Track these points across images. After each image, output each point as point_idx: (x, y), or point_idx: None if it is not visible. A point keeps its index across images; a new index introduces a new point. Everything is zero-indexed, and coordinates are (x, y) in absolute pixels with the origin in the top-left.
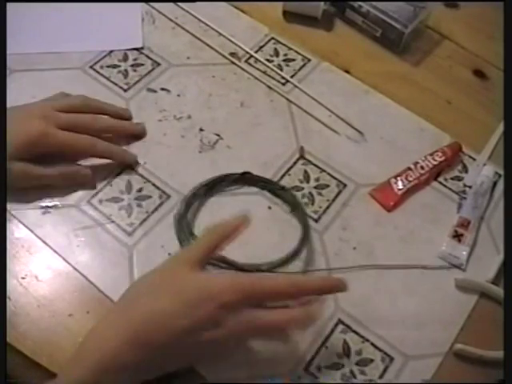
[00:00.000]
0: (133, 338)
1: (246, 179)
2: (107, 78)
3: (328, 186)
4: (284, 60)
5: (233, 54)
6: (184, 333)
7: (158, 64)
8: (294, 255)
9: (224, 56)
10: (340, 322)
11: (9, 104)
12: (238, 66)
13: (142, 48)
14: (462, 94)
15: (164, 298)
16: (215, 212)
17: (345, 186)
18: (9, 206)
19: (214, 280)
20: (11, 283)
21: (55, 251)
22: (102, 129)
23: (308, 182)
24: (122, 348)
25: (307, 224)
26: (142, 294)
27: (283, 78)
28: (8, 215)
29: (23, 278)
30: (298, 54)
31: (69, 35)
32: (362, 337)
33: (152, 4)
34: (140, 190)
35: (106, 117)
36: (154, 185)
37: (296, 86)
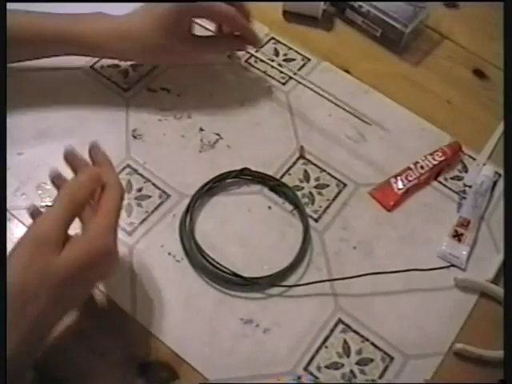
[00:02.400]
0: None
1: (245, 175)
2: (107, 78)
3: (328, 185)
4: (284, 60)
5: (232, 54)
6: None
7: None
8: (297, 259)
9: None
10: (340, 321)
11: (9, 104)
12: (239, 65)
13: None
14: (462, 94)
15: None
16: (217, 211)
17: (345, 185)
18: (9, 205)
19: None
20: None
21: None
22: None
23: (308, 181)
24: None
25: (307, 224)
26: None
27: (286, 75)
28: (8, 215)
29: None
30: (298, 53)
31: None
32: (361, 336)
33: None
34: (140, 190)
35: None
36: (154, 184)
37: (299, 83)
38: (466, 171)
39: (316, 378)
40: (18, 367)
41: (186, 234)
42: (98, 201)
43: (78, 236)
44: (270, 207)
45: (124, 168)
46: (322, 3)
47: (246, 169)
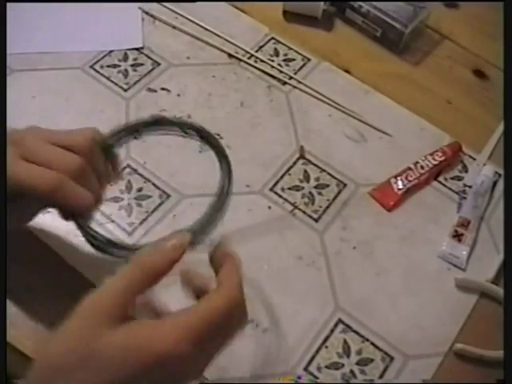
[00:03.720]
0: None
1: (157, 123)
2: (107, 78)
3: (328, 185)
4: (284, 60)
5: (232, 55)
6: None
7: (158, 64)
8: (220, 194)
9: (225, 52)
10: (340, 321)
11: (9, 104)
12: (238, 65)
13: (142, 48)
14: (462, 94)
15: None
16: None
17: (345, 185)
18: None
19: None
20: None
21: (55, 251)
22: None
23: (308, 181)
24: None
25: (226, 155)
26: (60, 373)
27: (286, 75)
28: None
29: None
30: (298, 53)
31: (69, 35)
32: (361, 336)
33: (152, 4)
34: (140, 190)
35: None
36: (154, 184)
37: (300, 82)
38: (466, 171)
39: (316, 378)
40: None
41: None
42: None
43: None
44: (269, 207)
45: (124, 168)
46: (321, 3)
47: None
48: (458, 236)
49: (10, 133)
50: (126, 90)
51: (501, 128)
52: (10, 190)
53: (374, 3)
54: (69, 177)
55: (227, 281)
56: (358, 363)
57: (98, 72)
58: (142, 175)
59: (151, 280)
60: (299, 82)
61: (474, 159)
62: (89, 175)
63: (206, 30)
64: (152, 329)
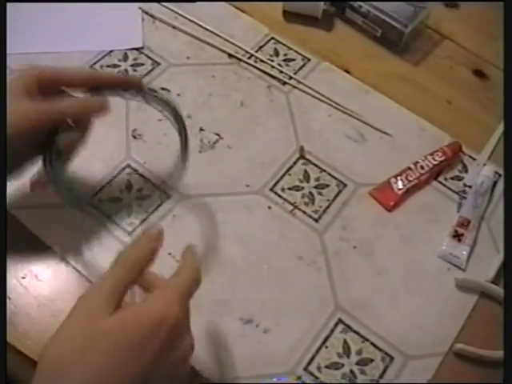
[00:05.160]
0: None
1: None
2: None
3: (328, 185)
4: (284, 60)
5: (232, 54)
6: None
7: (158, 64)
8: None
9: (225, 52)
10: (340, 321)
11: None
12: (238, 65)
13: (142, 48)
14: (462, 94)
15: (94, 363)
16: (217, 212)
17: (345, 185)
18: (9, 205)
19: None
20: (11, 283)
21: (55, 251)
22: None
23: (308, 181)
24: None
25: (182, 122)
26: (66, 364)
27: (286, 75)
28: (8, 215)
29: (23, 278)
30: (298, 53)
31: (69, 35)
32: (362, 336)
33: (152, 4)
34: (140, 190)
35: None
36: (154, 184)
37: (300, 82)
38: (466, 171)
39: (316, 378)
40: None
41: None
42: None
43: (135, 302)
44: (269, 207)
45: (124, 168)
46: (322, 3)
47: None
48: (458, 236)
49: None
50: (126, 90)
51: (501, 128)
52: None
53: (374, 3)
54: None
55: (187, 260)
56: (358, 363)
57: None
58: (142, 175)
59: (136, 273)
60: (299, 82)
61: (474, 159)
62: None
63: (206, 29)
64: (143, 303)
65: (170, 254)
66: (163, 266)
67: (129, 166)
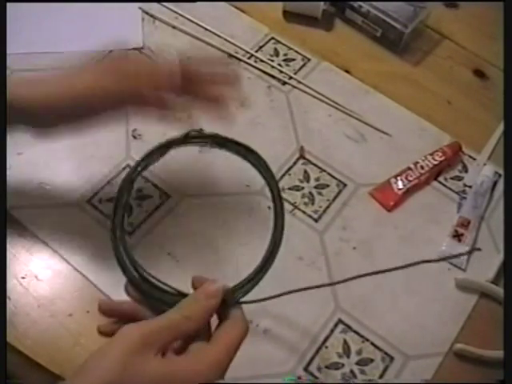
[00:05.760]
0: None
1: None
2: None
3: (328, 185)
4: (284, 60)
5: (232, 55)
6: None
7: None
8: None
9: (225, 52)
10: (340, 321)
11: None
12: (238, 65)
13: (142, 48)
14: (462, 94)
15: None
16: (217, 212)
17: (345, 185)
18: (9, 205)
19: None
20: (11, 283)
21: (55, 251)
22: None
23: (308, 181)
24: None
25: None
26: None
27: (286, 75)
28: (8, 215)
29: (23, 278)
30: (298, 53)
31: (69, 35)
32: (362, 336)
33: (152, 4)
34: (140, 190)
35: None
36: (154, 185)
37: (300, 82)
38: (466, 171)
39: (316, 378)
40: None
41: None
42: (215, 329)
43: (189, 350)
44: (269, 207)
45: (124, 168)
46: (321, 3)
47: (191, 131)
48: (458, 236)
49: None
50: None
51: (501, 128)
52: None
53: (374, 3)
54: None
55: (238, 322)
56: (358, 363)
57: None
58: (142, 175)
59: (191, 328)
60: (299, 82)
61: (474, 159)
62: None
63: (206, 29)
64: (193, 355)
65: (169, 254)
66: (163, 266)
67: (129, 166)
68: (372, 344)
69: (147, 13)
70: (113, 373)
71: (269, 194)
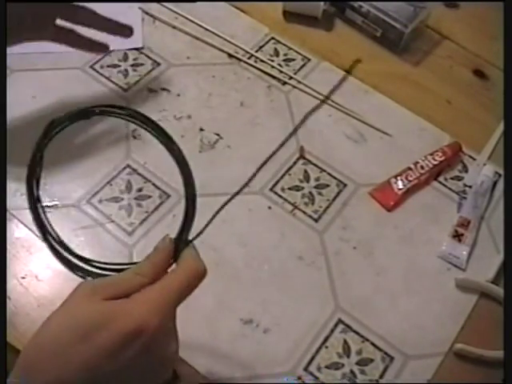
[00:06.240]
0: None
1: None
2: (107, 78)
3: (328, 185)
4: (284, 60)
5: (232, 55)
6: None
7: (158, 64)
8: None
9: (225, 52)
10: (340, 321)
11: (9, 104)
12: (238, 65)
13: (142, 48)
14: (462, 94)
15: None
16: None
17: (345, 185)
18: (9, 205)
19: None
20: (11, 283)
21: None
22: None
23: (308, 181)
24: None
25: (184, 158)
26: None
27: (286, 75)
28: (8, 215)
29: (23, 278)
30: (298, 53)
31: None
32: (362, 336)
33: (152, 4)
34: (140, 190)
35: None
36: (154, 185)
37: (300, 82)
38: (466, 171)
39: (316, 378)
40: None
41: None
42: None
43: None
44: (269, 207)
45: (124, 168)
46: (321, 3)
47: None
48: (458, 236)
49: None
50: (126, 90)
51: (501, 128)
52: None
53: (374, 3)
54: None
55: (184, 262)
56: (358, 363)
57: (97, 72)
58: (142, 175)
59: (142, 281)
60: (299, 82)
61: (474, 159)
62: None
63: (206, 29)
64: (123, 304)
65: None
66: None
67: (129, 166)
68: (372, 344)
69: (147, 13)
70: (60, 317)
71: (269, 194)
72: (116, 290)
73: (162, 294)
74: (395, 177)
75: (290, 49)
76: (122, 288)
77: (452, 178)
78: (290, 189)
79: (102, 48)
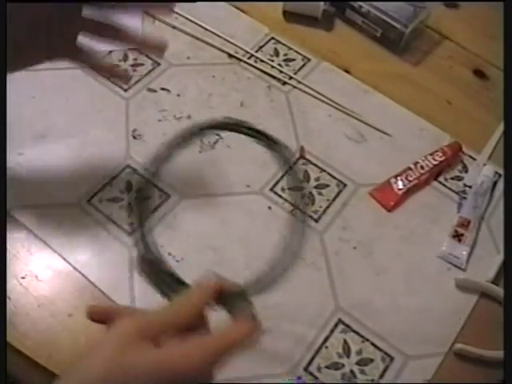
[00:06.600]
0: None
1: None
2: (107, 78)
3: (328, 185)
4: (284, 60)
5: (232, 55)
6: None
7: (158, 64)
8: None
9: (225, 52)
10: (340, 321)
11: (9, 104)
12: (238, 65)
13: None
14: (462, 94)
15: None
16: (217, 211)
17: (345, 185)
18: (9, 206)
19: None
20: (11, 283)
21: (55, 251)
22: None
23: (308, 181)
24: None
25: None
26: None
27: (286, 75)
28: (8, 215)
29: (23, 278)
30: (298, 53)
31: None
32: (362, 336)
33: None
34: (140, 190)
35: None
36: (154, 185)
37: (300, 82)
38: (466, 171)
39: (316, 378)
40: None
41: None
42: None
43: (175, 342)
44: (269, 207)
45: (124, 168)
46: (321, 3)
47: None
48: (458, 236)
49: None
50: (125, 90)
51: (501, 128)
52: None
53: (374, 3)
54: None
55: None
56: (358, 363)
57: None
58: (141, 175)
59: (180, 322)
60: (299, 82)
61: (474, 159)
62: None
63: (206, 30)
64: (179, 349)
65: (169, 253)
66: None
67: (129, 166)
68: (372, 344)
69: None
70: (111, 363)
71: (269, 194)
72: (159, 330)
73: (212, 346)
74: (395, 177)
75: (290, 49)
76: (163, 328)
77: (452, 178)
78: (290, 189)
79: (124, 79)
